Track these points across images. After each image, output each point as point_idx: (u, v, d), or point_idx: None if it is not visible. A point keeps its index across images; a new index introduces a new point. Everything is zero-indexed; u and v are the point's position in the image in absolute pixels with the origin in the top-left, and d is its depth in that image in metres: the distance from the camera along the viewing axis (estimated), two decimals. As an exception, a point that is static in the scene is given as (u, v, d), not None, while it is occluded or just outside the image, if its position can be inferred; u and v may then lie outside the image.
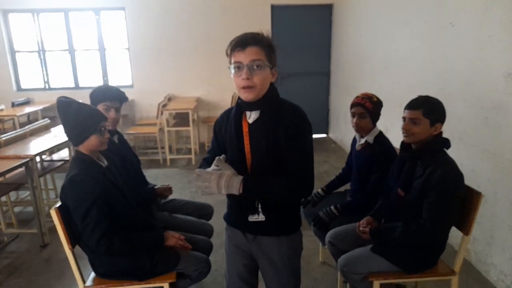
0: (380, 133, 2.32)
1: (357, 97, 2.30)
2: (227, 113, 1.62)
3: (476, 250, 2.70)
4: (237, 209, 1.58)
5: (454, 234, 1.90)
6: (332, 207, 2.31)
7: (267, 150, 1.44)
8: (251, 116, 1.49)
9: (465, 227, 1.81)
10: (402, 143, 1.93)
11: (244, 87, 1.40)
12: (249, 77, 1.37)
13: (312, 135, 1.51)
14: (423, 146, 1.82)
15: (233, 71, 1.41)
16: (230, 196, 1.53)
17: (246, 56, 1.37)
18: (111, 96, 2.15)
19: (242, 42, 1.38)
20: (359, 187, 2.40)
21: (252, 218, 1.52)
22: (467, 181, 1.83)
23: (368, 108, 2.24)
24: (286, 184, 1.43)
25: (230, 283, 1.72)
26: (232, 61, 1.41)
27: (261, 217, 1.51)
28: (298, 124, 1.46)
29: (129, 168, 2.24)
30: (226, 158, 1.47)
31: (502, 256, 2.45)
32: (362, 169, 2.35)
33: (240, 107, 1.51)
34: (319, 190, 2.62)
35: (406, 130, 1.85)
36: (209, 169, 1.42)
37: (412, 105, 1.84)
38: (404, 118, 1.86)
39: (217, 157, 1.44)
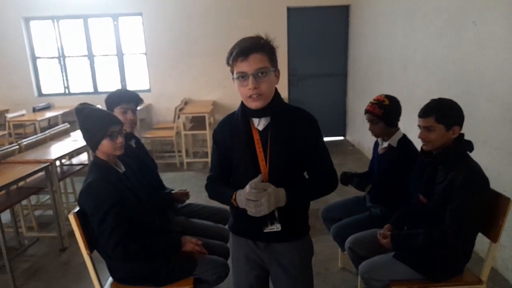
0: (404, 136, 2.26)
1: (369, 102, 2.26)
2: (228, 121, 1.54)
3: (502, 257, 2.59)
4: (250, 220, 1.44)
5: (479, 240, 1.82)
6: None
7: (287, 156, 1.43)
8: (260, 123, 1.45)
9: (492, 233, 1.73)
10: (422, 149, 1.87)
11: (251, 96, 1.35)
12: (256, 86, 1.33)
13: None
14: (444, 150, 1.75)
15: (237, 81, 1.37)
16: (237, 207, 1.45)
17: (250, 65, 1.32)
18: (126, 98, 2.18)
19: (244, 51, 1.33)
20: (380, 191, 2.34)
21: (268, 229, 1.45)
22: (493, 185, 1.75)
23: (377, 114, 2.18)
24: (320, 186, 1.50)
25: None
26: (235, 71, 1.36)
27: (277, 227, 1.45)
28: (314, 126, 1.47)
29: (146, 173, 2.24)
30: (261, 178, 1.41)
31: (531, 264, 2.35)
32: (384, 173, 2.28)
33: (246, 114, 1.45)
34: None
35: (422, 139, 1.79)
36: (247, 191, 1.37)
37: (424, 113, 1.77)
38: (419, 126, 1.80)
39: (252, 182, 1.38)
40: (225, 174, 1.59)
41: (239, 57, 1.33)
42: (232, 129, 1.50)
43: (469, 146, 1.76)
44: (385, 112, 2.18)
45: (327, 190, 1.52)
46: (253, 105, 1.38)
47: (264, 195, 1.34)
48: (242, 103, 1.45)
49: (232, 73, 1.38)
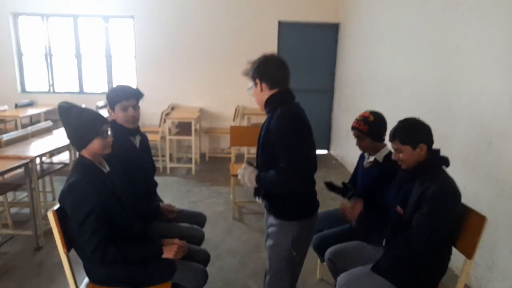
0: (390, 152, 2.30)
1: (355, 119, 2.30)
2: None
3: (476, 275, 2.65)
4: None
5: (454, 257, 1.87)
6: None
7: (262, 148, 1.86)
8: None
9: (468, 250, 1.77)
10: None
11: None
12: None
13: (297, 131, 1.73)
14: (419, 164, 1.83)
15: None
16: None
17: None
18: (126, 95, 2.13)
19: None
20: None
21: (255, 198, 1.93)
22: (470, 205, 1.81)
23: (362, 131, 2.23)
24: (280, 178, 1.74)
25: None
26: None
27: (257, 200, 1.91)
28: (279, 124, 1.74)
29: (140, 175, 2.18)
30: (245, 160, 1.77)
31: (503, 283, 2.41)
32: (368, 187, 2.32)
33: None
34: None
35: (396, 160, 1.89)
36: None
37: (391, 136, 1.87)
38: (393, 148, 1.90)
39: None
40: None
41: None
42: None
43: (445, 161, 1.83)
44: (370, 128, 2.22)
45: (288, 185, 1.76)
46: None
47: (241, 170, 1.89)
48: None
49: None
